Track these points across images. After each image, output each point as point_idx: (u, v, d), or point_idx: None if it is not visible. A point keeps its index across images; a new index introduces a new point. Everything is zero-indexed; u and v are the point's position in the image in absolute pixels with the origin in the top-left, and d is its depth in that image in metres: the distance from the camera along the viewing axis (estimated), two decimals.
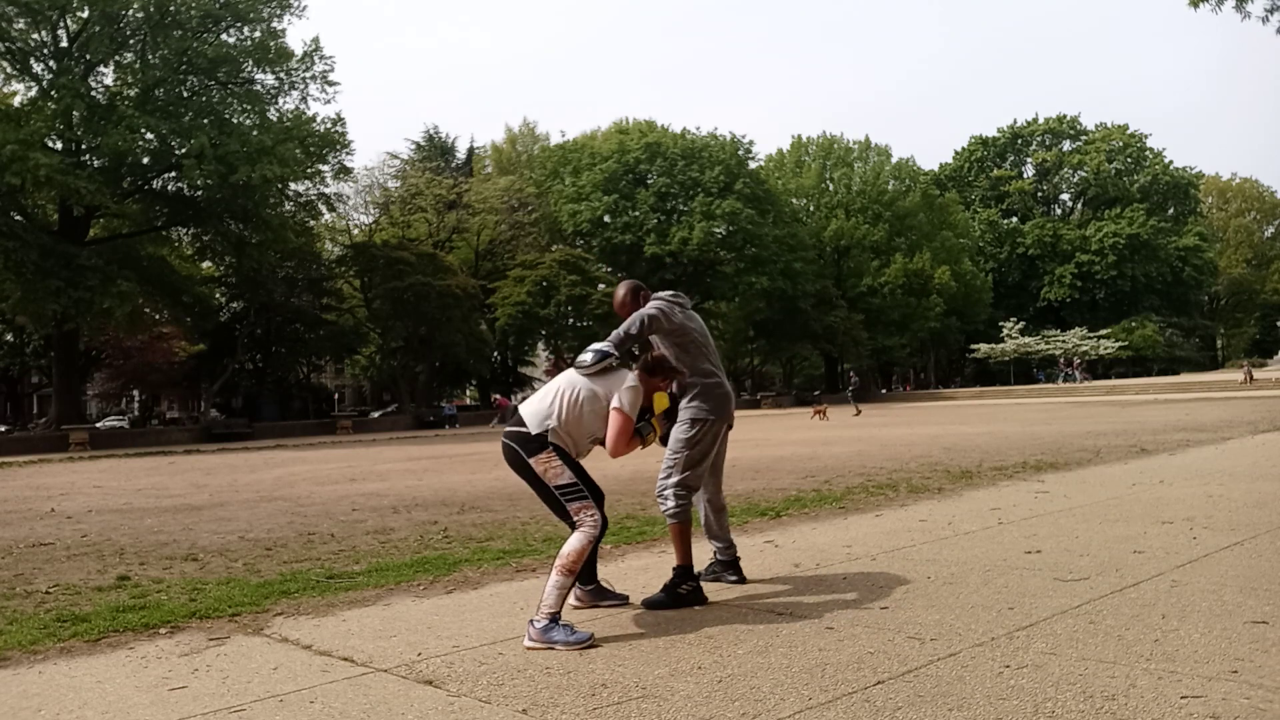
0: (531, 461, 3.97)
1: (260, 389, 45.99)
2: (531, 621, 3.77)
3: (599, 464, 5.01)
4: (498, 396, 49.28)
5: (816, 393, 49.14)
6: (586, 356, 4.16)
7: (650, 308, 4.37)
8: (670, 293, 4.54)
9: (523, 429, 4.03)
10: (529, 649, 3.67)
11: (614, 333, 4.27)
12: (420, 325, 42.66)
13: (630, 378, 4.13)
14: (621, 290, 4.65)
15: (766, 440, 17.89)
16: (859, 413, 33.17)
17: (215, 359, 43.46)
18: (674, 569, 4.36)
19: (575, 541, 3.88)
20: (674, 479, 4.34)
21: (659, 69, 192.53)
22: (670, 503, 4.33)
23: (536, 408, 4.08)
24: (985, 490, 8.32)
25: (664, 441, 4.37)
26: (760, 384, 67.10)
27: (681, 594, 4.30)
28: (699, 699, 2.99)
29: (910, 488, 8.71)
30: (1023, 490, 8.16)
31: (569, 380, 4.13)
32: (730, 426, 4.58)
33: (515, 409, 4.70)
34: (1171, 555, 4.95)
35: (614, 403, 4.01)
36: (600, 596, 4.40)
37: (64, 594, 5.27)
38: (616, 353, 4.17)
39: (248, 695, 3.25)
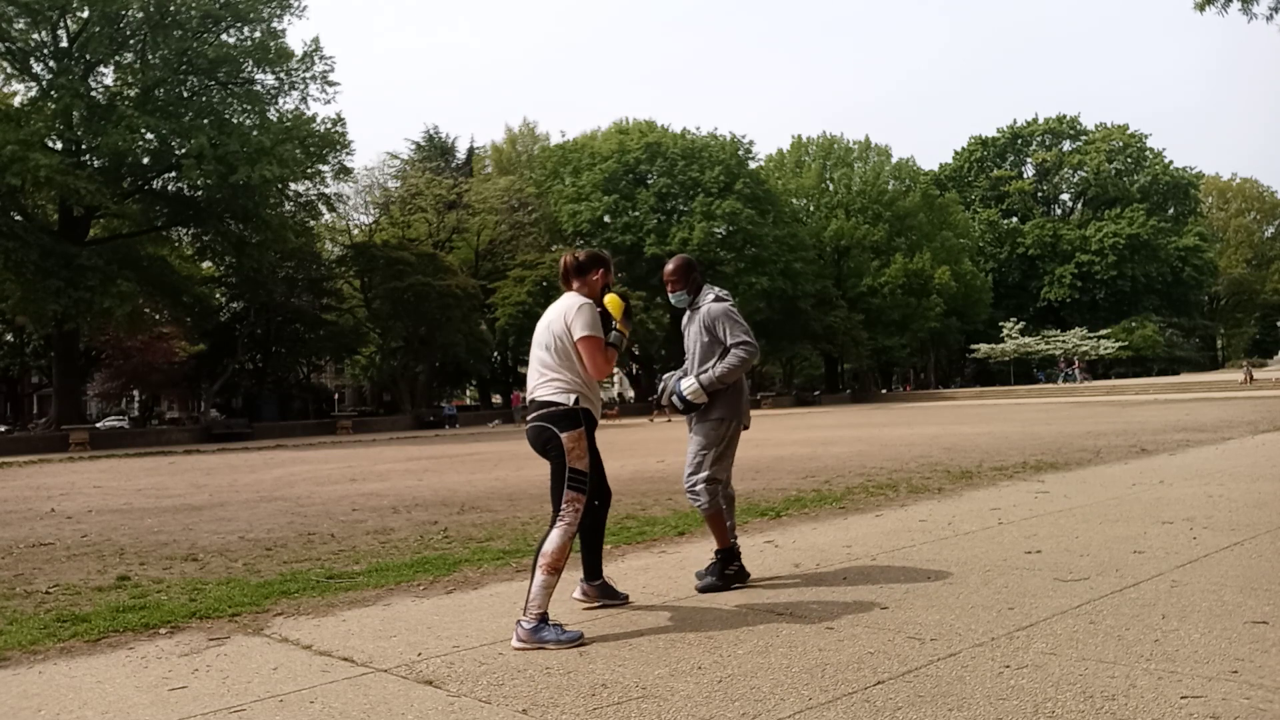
0: (564, 437, 3.93)
1: (260, 389, 45.92)
2: (519, 622, 3.77)
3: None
4: (515, 394, 49.65)
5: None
6: (686, 389, 4.51)
7: (749, 348, 4.51)
8: (720, 290, 4.72)
9: (556, 406, 3.97)
10: (518, 650, 3.67)
11: (718, 370, 4.48)
12: (420, 325, 42.64)
13: (572, 299, 4.10)
14: (673, 264, 4.78)
15: (766, 440, 17.89)
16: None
17: (215, 359, 43.42)
18: (718, 553, 4.59)
19: (555, 539, 3.87)
20: (703, 473, 4.54)
21: (659, 69, 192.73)
22: (702, 498, 4.55)
23: (558, 384, 4.01)
24: (985, 490, 8.32)
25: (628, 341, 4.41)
26: (760, 384, 67.08)
27: (729, 575, 4.55)
28: (699, 699, 2.99)
29: (910, 488, 8.71)
30: (1023, 490, 8.16)
31: (545, 339, 4.09)
32: (746, 425, 4.75)
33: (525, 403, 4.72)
34: (1171, 555, 4.95)
35: (575, 333, 3.99)
36: (605, 594, 4.41)
37: (64, 594, 5.27)
38: (716, 388, 4.51)
39: (248, 695, 3.25)
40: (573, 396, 3.97)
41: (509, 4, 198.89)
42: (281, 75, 35.53)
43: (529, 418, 4.10)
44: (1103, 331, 64.87)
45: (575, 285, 4.18)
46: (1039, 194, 79.08)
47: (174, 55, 32.71)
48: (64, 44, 32.53)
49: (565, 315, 4.04)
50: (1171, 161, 76.39)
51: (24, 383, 52.57)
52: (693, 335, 4.65)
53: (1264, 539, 5.30)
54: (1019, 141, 79.73)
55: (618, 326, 4.11)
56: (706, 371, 4.49)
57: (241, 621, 4.39)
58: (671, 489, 9.46)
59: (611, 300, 4.17)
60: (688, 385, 4.50)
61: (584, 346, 3.97)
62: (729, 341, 4.47)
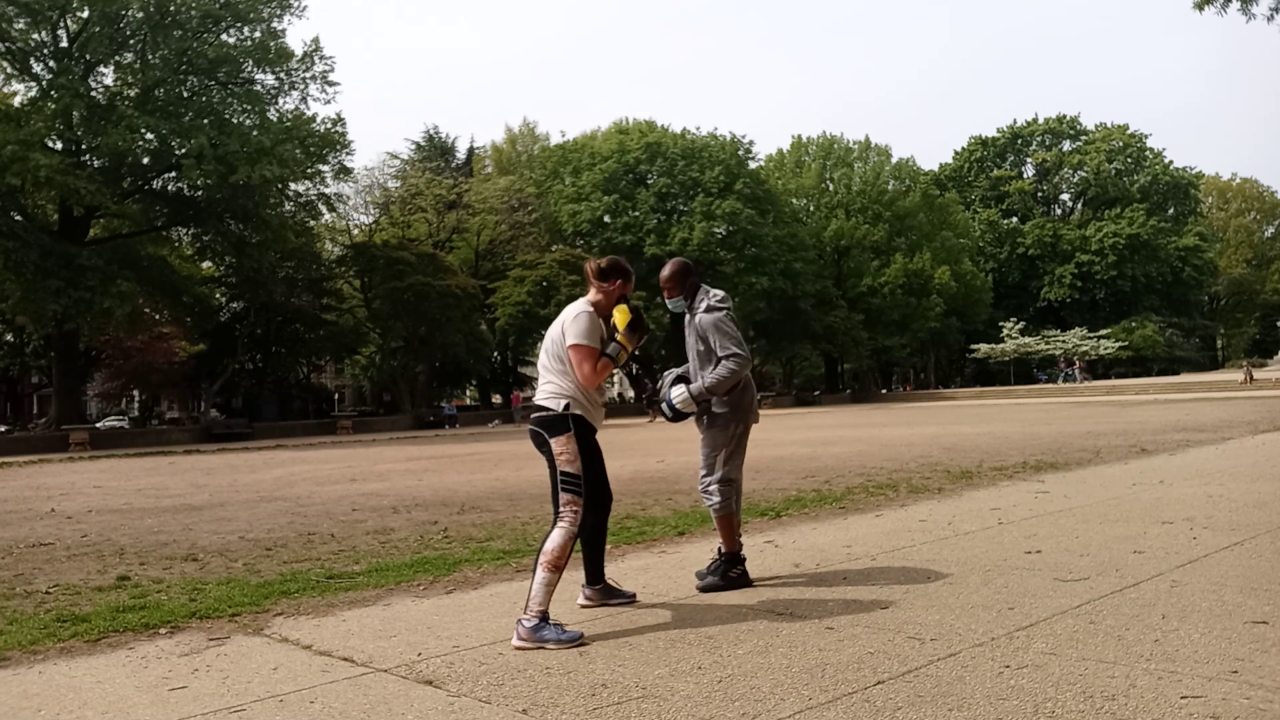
0: (553, 442, 3.99)
1: (260, 389, 45.91)
2: (520, 621, 3.77)
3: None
4: (515, 394, 49.90)
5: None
6: (676, 398, 4.48)
7: (739, 360, 4.47)
8: (721, 295, 4.67)
9: (547, 411, 4.04)
10: (518, 649, 3.68)
11: (708, 381, 4.46)
12: (420, 325, 42.63)
13: (575, 307, 4.13)
14: (669, 269, 4.75)
15: (766, 440, 17.87)
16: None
17: (215, 359, 43.41)
18: (724, 555, 4.63)
19: (556, 538, 3.90)
20: (717, 474, 4.59)
21: (659, 69, 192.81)
22: (715, 498, 4.59)
23: (550, 389, 4.07)
24: (985, 490, 8.32)
25: (634, 347, 4.19)
26: (760, 384, 67.13)
27: (732, 577, 4.59)
28: (699, 699, 2.99)
29: (910, 488, 8.71)
30: (1023, 490, 8.16)
31: (546, 344, 4.16)
32: (755, 421, 4.76)
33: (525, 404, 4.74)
34: (1171, 555, 4.94)
35: (566, 340, 4.03)
36: (609, 595, 4.42)
37: (64, 594, 5.27)
38: (705, 399, 4.50)
39: (248, 695, 3.25)
40: (562, 402, 4.01)
41: (509, 4, 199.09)
42: (281, 75, 35.53)
43: (531, 418, 4.20)
44: (1103, 331, 64.88)
45: (593, 291, 4.21)
46: (1039, 194, 79.07)
47: (174, 55, 32.70)
48: (64, 44, 32.52)
49: (563, 322, 4.10)
50: (1171, 161, 76.43)
51: (24, 383, 52.56)
52: (690, 342, 4.67)
53: (1264, 539, 5.30)
54: (1019, 141, 79.72)
55: (618, 339, 4.10)
56: (697, 382, 4.51)
57: (241, 621, 4.39)
58: (672, 489, 9.46)
59: (619, 312, 4.15)
60: (678, 395, 4.51)
61: (573, 354, 4.02)
62: (719, 353, 4.48)
